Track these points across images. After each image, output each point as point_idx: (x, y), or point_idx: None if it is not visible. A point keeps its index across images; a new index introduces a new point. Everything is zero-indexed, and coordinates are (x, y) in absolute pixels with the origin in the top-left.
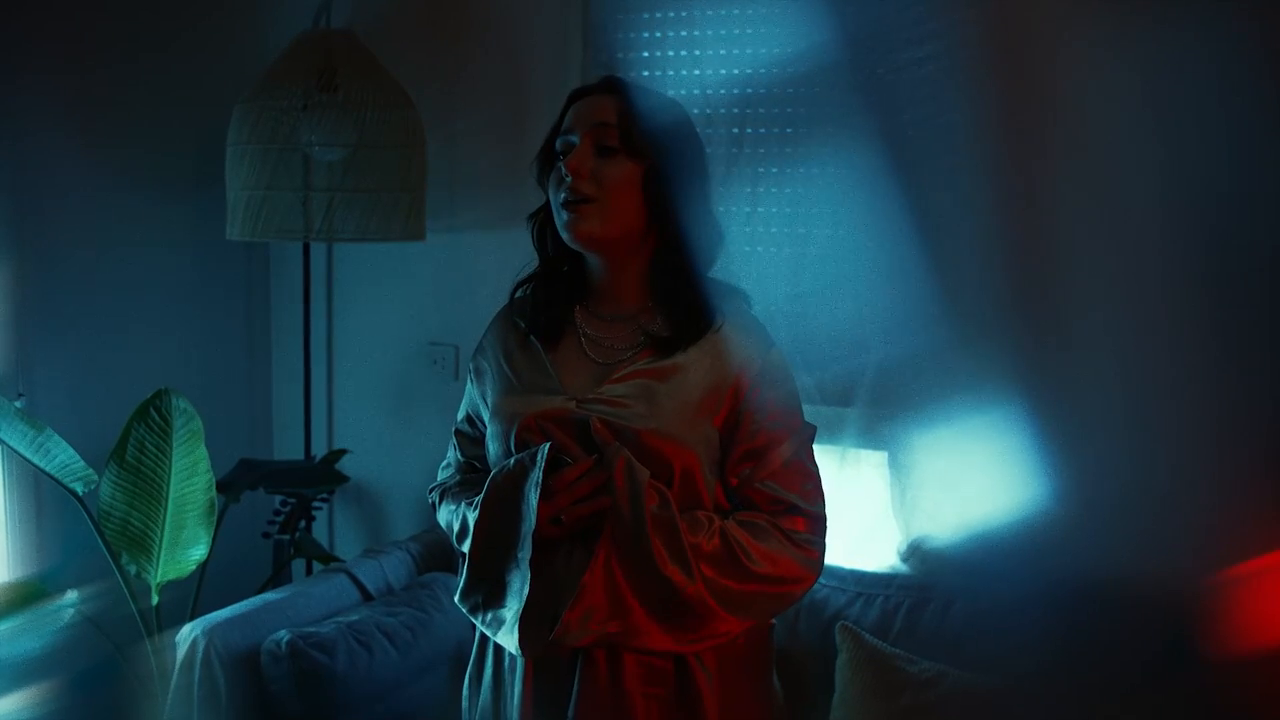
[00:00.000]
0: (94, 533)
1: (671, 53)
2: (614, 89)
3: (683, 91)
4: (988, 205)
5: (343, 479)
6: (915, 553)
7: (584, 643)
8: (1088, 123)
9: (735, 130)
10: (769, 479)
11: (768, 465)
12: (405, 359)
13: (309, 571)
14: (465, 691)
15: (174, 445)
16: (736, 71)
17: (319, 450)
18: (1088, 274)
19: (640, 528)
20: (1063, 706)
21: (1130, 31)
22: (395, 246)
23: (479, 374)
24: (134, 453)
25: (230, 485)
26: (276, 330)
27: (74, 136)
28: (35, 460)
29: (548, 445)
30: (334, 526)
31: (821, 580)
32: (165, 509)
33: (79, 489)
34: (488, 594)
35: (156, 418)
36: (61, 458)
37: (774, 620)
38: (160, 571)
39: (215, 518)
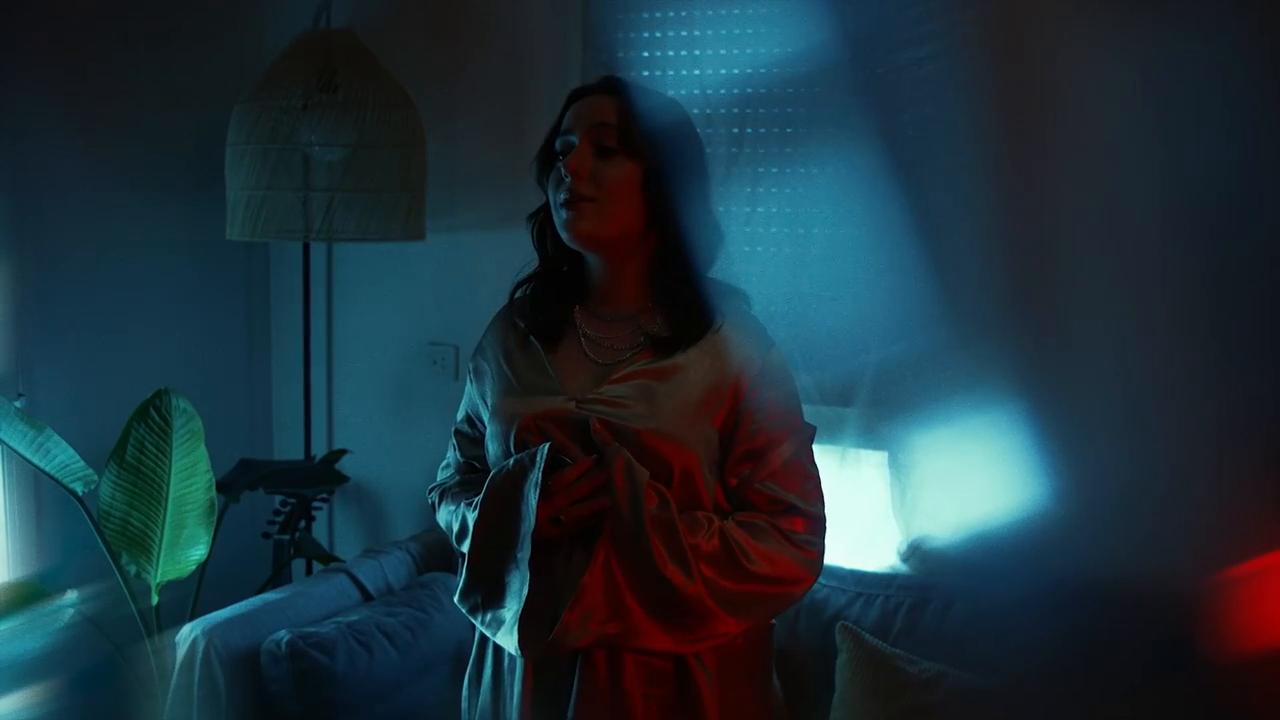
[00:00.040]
0: (94, 533)
1: (671, 53)
2: (613, 89)
3: (683, 91)
4: (988, 205)
5: (343, 479)
6: (915, 553)
7: (583, 643)
8: (1088, 123)
9: (735, 130)
10: (768, 479)
11: (767, 466)
12: (405, 359)
13: (309, 571)
14: (465, 692)
15: (174, 445)
16: (736, 71)
17: (319, 450)
18: (1088, 274)
19: (640, 528)
20: (1063, 706)
21: (1130, 31)
22: (395, 246)
23: (478, 374)
24: (134, 453)
25: (230, 485)
26: (276, 330)
27: (74, 136)
28: (35, 460)
29: (547, 446)
30: (334, 526)
31: (821, 580)
32: (165, 509)
33: (79, 489)
34: (487, 594)
35: (156, 418)
36: (61, 458)
37: (774, 621)
38: (160, 571)
39: (215, 518)
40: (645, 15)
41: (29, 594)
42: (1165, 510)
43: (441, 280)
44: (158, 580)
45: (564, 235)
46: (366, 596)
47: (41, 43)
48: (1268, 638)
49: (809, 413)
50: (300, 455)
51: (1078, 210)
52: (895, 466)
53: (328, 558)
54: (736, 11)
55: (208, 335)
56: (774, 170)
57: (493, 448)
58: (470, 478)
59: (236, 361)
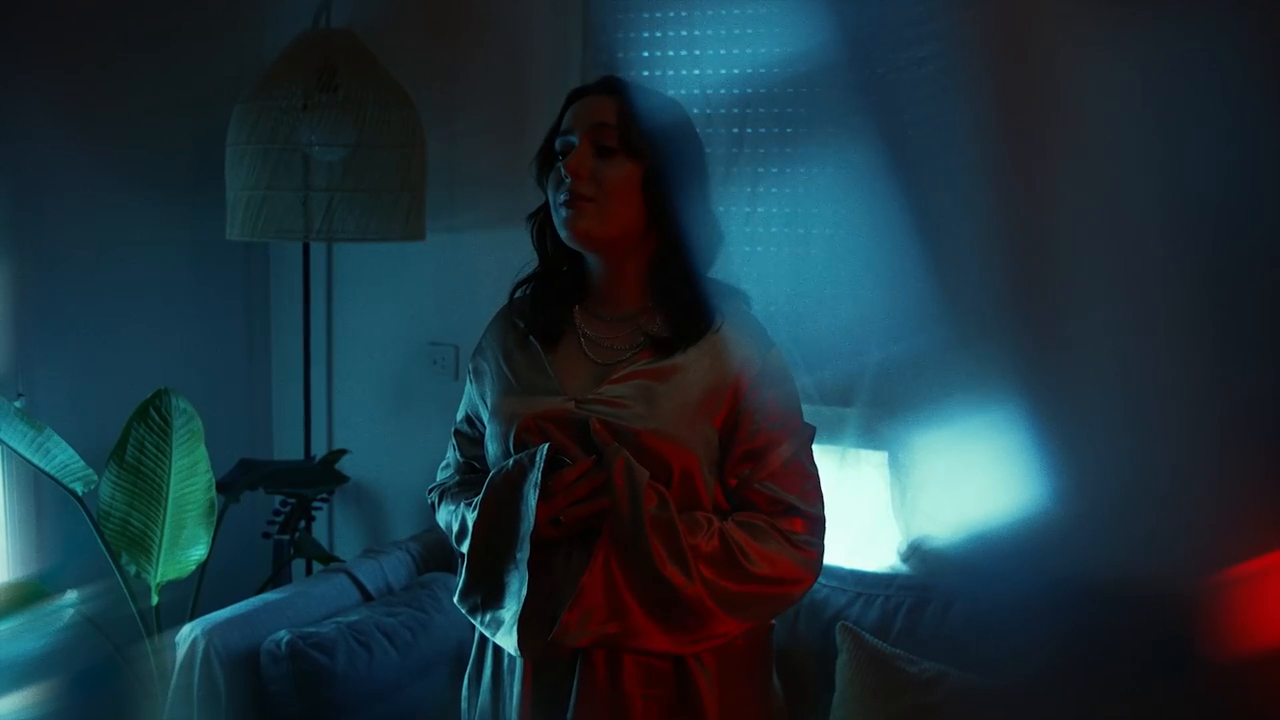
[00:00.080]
0: (94, 533)
1: (671, 53)
2: (613, 89)
3: (683, 91)
4: (988, 205)
5: (342, 479)
6: (915, 553)
7: (583, 644)
8: (1088, 123)
9: (735, 130)
10: (768, 480)
11: (767, 466)
12: (405, 359)
13: (309, 572)
14: (464, 692)
15: (174, 445)
16: (736, 71)
17: (319, 450)
18: (1088, 274)
19: (639, 528)
20: (1063, 706)
21: (1130, 31)
22: (395, 246)
23: (478, 374)
24: (134, 453)
25: (230, 485)
26: (276, 330)
27: (74, 136)
28: (35, 460)
29: (546, 446)
30: (334, 526)
31: (822, 580)
32: (165, 509)
33: (79, 489)
34: (487, 595)
35: (156, 418)
36: (61, 458)
37: (774, 621)
38: (160, 571)
39: (215, 518)
40: (645, 15)
41: (29, 594)
42: (1165, 510)
43: (441, 280)
44: (158, 580)
45: (564, 234)
46: (366, 596)
47: (41, 43)
48: (1268, 638)
49: (809, 413)
50: (300, 455)
51: (1078, 210)
52: (895, 466)
53: (328, 558)
54: (736, 11)
55: (208, 335)
56: (774, 170)
57: (492, 448)
58: (470, 478)
59: (236, 361)
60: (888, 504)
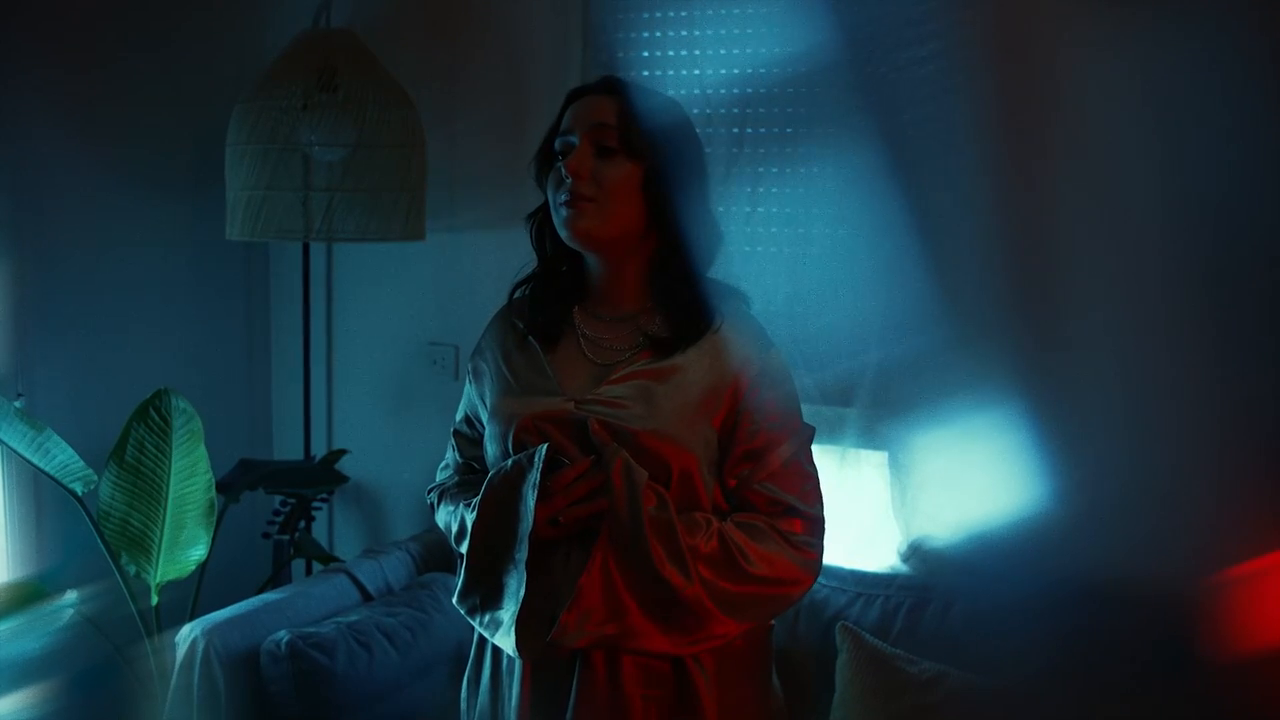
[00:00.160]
0: (93, 533)
1: (671, 53)
2: (613, 89)
3: (683, 91)
4: (988, 205)
5: (342, 479)
6: (915, 553)
7: (581, 644)
8: (1088, 123)
9: (735, 130)
10: (767, 480)
11: (766, 466)
12: (405, 359)
13: (309, 572)
14: (464, 693)
15: (174, 445)
16: (736, 71)
17: (319, 450)
18: (1088, 274)
19: (638, 529)
20: (1063, 707)
21: (1130, 31)
22: (395, 246)
23: (477, 375)
24: (133, 453)
25: (230, 485)
26: (276, 330)
27: (74, 136)
28: (35, 460)
29: (545, 446)
30: (334, 526)
31: (822, 580)
32: (165, 509)
33: (78, 489)
34: (485, 595)
35: (156, 418)
36: (61, 458)
37: (773, 621)
38: (160, 572)
39: (215, 518)
40: (645, 15)
41: (29, 594)
42: (1165, 510)
43: (441, 280)
44: (157, 580)
45: (564, 234)
46: (366, 597)
47: (41, 43)
48: (1268, 638)
49: (809, 413)
50: (300, 455)
51: (1078, 210)
52: (895, 466)
53: (327, 558)
54: (736, 11)
55: (208, 335)
56: (774, 170)
57: (491, 448)
58: (469, 478)
59: (236, 361)
60: (888, 504)
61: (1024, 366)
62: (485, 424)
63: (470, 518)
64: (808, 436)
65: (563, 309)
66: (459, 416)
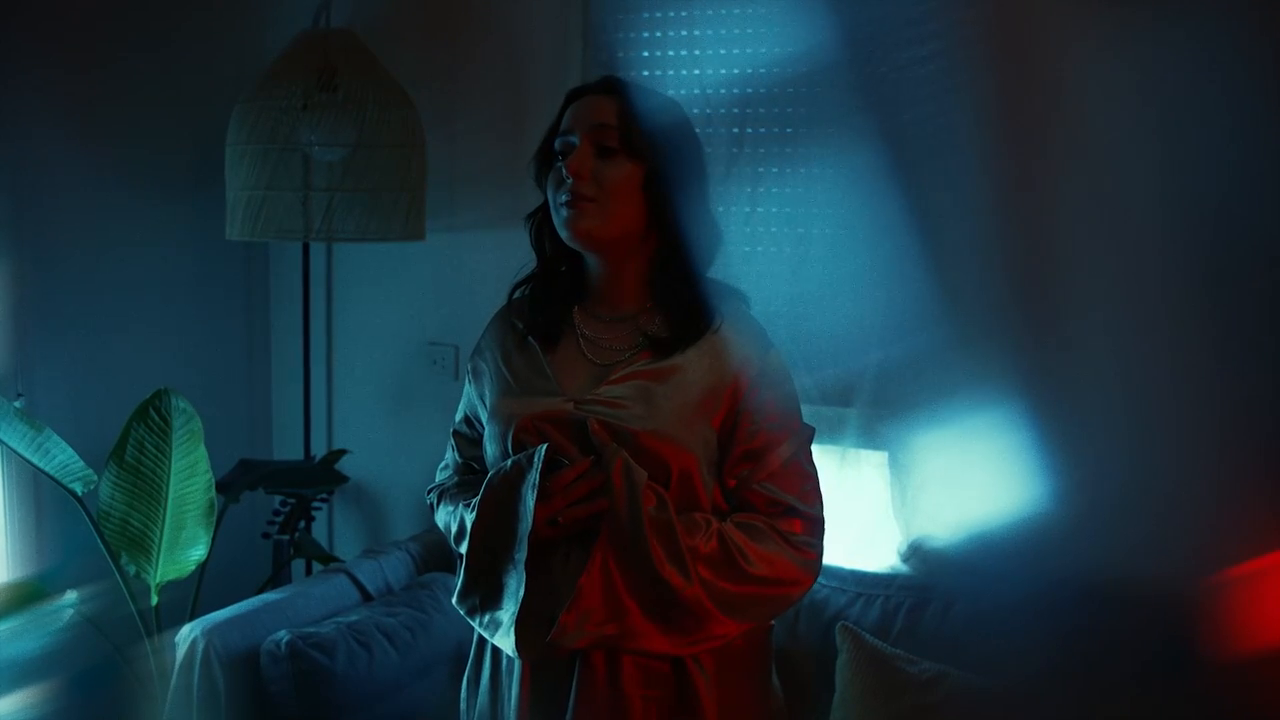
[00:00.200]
0: (93, 533)
1: (671, 53)
2: (613, 89)
3: (683, 91)
4: (988, 205)
5: (342, 479)
6: (916, 553)
7: (581, 645)
8: (1088, 123)
9: (735, 130)
10: (767, 480)
11: (766, 466)
12: (405, 359)
13: (309, 572)
14: (463, 693)
15: (173, 445)
16: (736, 71)
17: (318, 450)
18: (1088, 274)
19: (638, 529)
20: (1064, 707)
21: (1130, 31)
22: (395, 246)
23: (477, 375)
24: (133, 453)
25: (230, 485)
26: (276, 330)
27: (74, 136)
28: (35, 460)
29: (545, 447)
30: (334, 526)
31: (822, 580)
32: (165, 509)
33: (78, 489)
34: (485, 596)
35: (156, 418)
36: (61, 458)
37: (773, 622)
38: (160, 572)
39: (215, 518)
40: (645, 15)
41: (29, 594)
42: (1165, 511)
43: (441, 280)
44: (157, 580)
45: (564, 234)
46: (366, 597)
47: (41, 43)
48: (1268, 638)
49: (809, 413)
50: (300, 455)
51: (1078, 210)
52: (895, 466)
53: (327, 558)
54: (736, 11)
55: (208, 335)
56: (774, 170)
57: (491, 449)
58: (468, 479)
59: (236, 361)
60: (888, 504)
61: (1024, 366)
62: (485, 424)
63: (470, 518)
64: (807, 437)
65: (562, 309)
66: (458, 417)
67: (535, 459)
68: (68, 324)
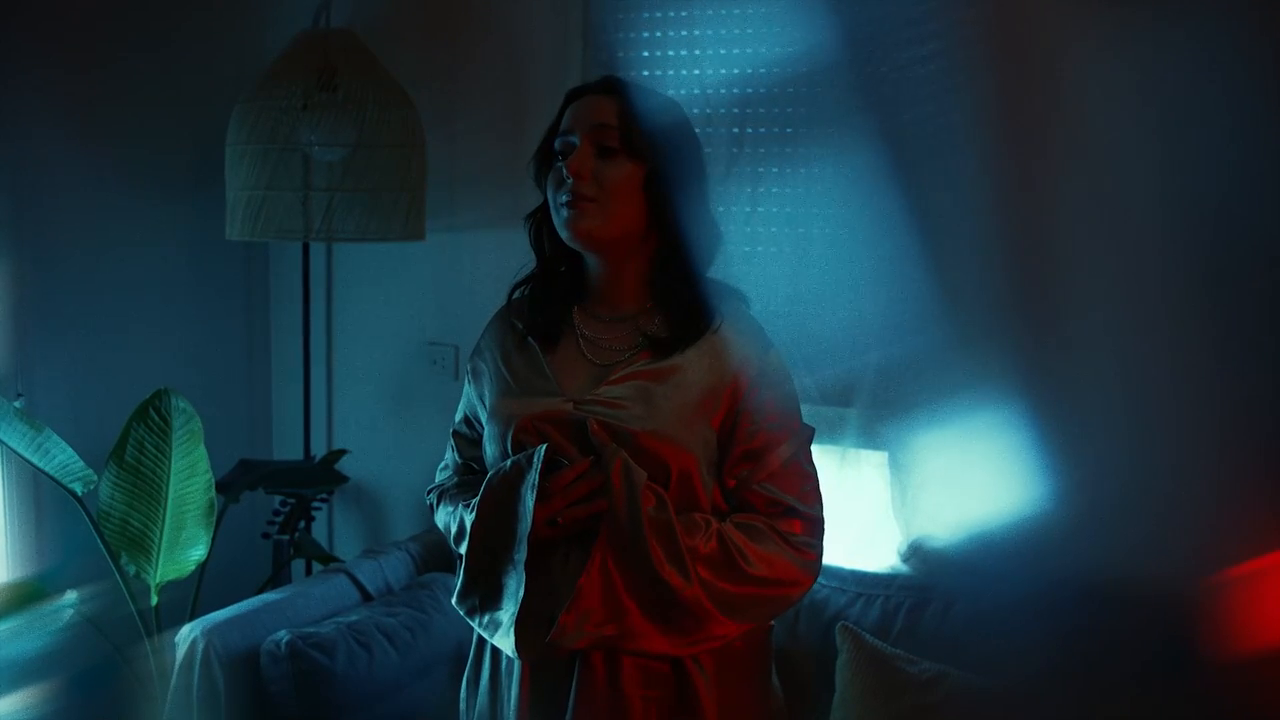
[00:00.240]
0: (93, 533)
1: (671, 53)
2: (613, 89)
3: (683, 91)
4: (988, 205)
5: (342, 479)
6: (916, 553)
7: (580, 645)
8: (1088, 123)
9: (735, 130)
10: (767, 481)
11: (766, 467)
12: (405, 359)
13: (309, 572)
14: (463, 693)
15: (173, 445)
16: (736, 71)
17: (318, 450)
18: (1088, 274)
19: (637, 530)
20: (1064, 707)
21: (1130, 31)
22: (395, 246)
23: (476, 375)
24: (133, 453)
25: (230, 485)
26: (276, 330)
27: (73, 136)
28: (34, 460)
29: (544, 447)
30: (334, 527)
31: (822, 580)
32: (164, 509)
33: (78, 489)
34: (484, 596)
35: (156, 418)
36: (61, 458)
37: (773, 622)
38: (159, 572)
39: (215, 518)
40: (645, 15)
41: (29, 594)
42: (1165, 511)
43: (441, 280)
44: (157, 580)
45: (564, 235)
46: (366, 597)
47: (41, 43)
48: (1268, 638)
49: (809, 413)
50: (300, 455)
51: (1078, 210)
52: (895, 467)
53: (327, 558)
54: (736, 11)
55: (208, 335)
56: (774, 170)
57: (490, 449)
58: (468, 479)
59: (236, 361)
60: (888, 504)
61: (1024, 366)
62: (484, 425)
63: (469, 518)
64: (807, 437)
65: (562, 309)
66: (458, 417)
67: (535, 459)
68: (68, 324)
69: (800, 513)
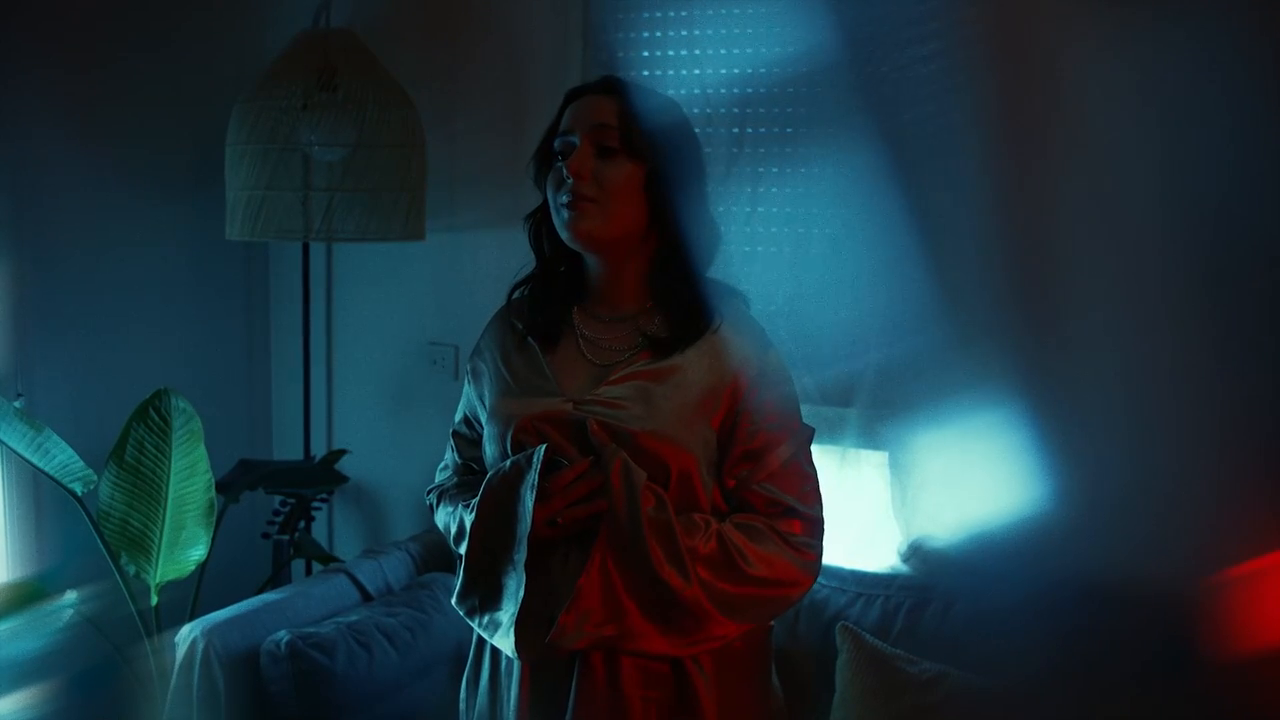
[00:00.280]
0: (93, 533)
1: (671, 53)
2: (612, 89)
3: (683, 91)
4: (988, 205)
5: (342, 479)
6: (916, 553)
7: (580, 645)
8: (1088, 122)
9: (735, 130)
10: (766, 481)
11: (765, 467)
12: (405, 359)
13: (308, 572)
14: (462, 694)
15: (173, 445)
16: (736, 71)
17: (318, 450)
18: (1088, 274)
19: (636, 530)
20: (1064, 707)
21: (1130, 31)
22: (395, 246)
23: (476, 375)
24: (133, 453)
25: (230, 485)
26: (276, 330)
27: (73, 136)
28: (34, 460)
29: (543, 447)
30: (333, 527)
31: (822, 580)
32: (164, 509)
33: (78, 489)
34: (484, 597)
35: (156, 418)
36: (61, 458)
37: (773, 622)
38: (159, 572)
39: (215, 518)
40: (645, 15)
41: (29, 594)
42: (1165, 511)
43: (441, 280)
44: (157, 580)
45: (565, 235)
46: (366, 597)
47: (41, 43)
48: (1268, 638)
49: (809, 413)
50: (300, 455)
51: (1078, 210)
52: (895, 467)
53: (327, 558)
54: (736, 11)
55: (207, 335)
56: (774, 170)
57: (490, 449)
58: (468, 479)
59: (236, 361)
60: (888, 504)
61: (1024, 366)
62: (484, 425)
63: (469, 519)
64: (807, 437)
65: (562, 309)
66: (458, 417)
67: (534, 460)
68: (68, 324)
69: (800, 513)
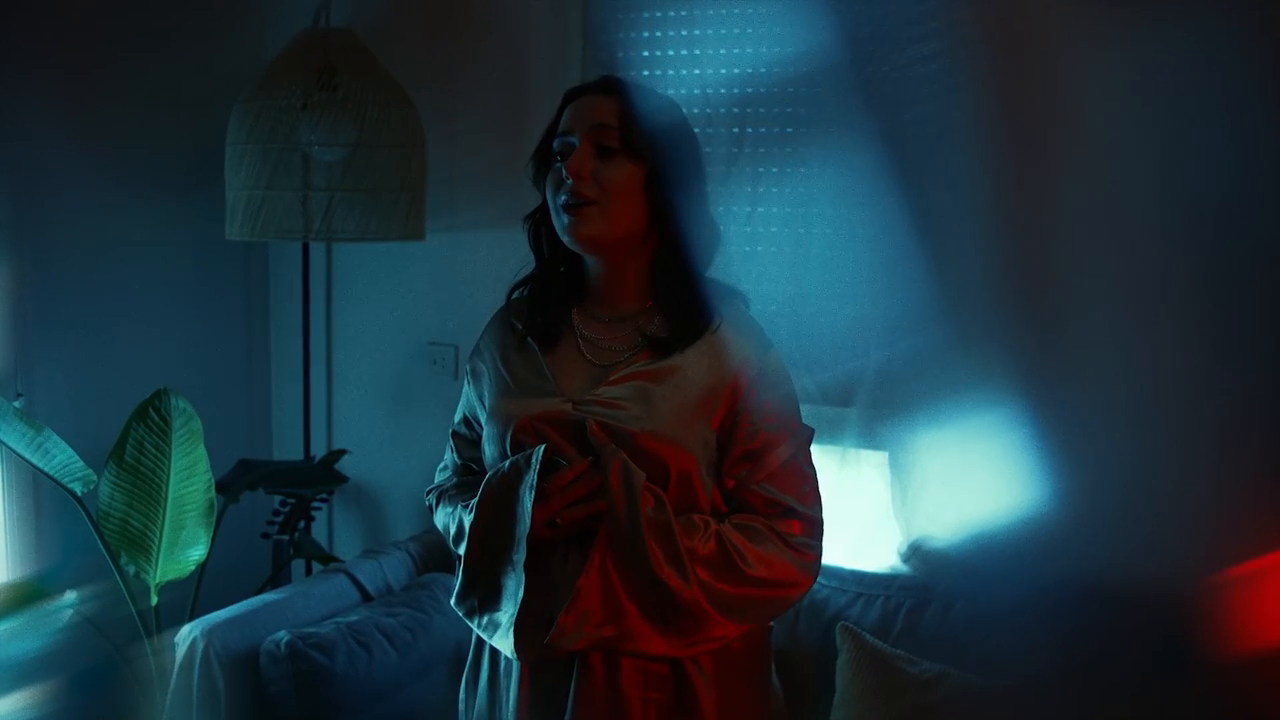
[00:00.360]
0: (93, 533)
1: (671, 53)
2: (612, 89)
3: (683, 91)
4: (988, 205)
5: (342, 479)
6: (916, 553)
7: (579, 646)
8: (1088, 122)
9: (735, 130)
10: (766, 481)
11: (765, 467)
12: (405, 359)
13: (308, 572)
14: (461, 695)
15: (173, 445)
16: (736, 71)
17: (318, 450)
18: (1088, 274)
19: (636, 531)
20: (1064, 707)
21: (1130, 31)
22: (395, 246)
23: (476, 376)
24: (133, 453)
25: (229, 485)
26: (276, 330)
27: (73, 136)
28: (34, 460)
29: (543, 447)
30: (333, 527)
31: (822, 580)
32: (164, 509)
33: (78, 489)
34: (483, 597)
35: (155, 418)
36: (60, 458)
37: (772, 623)
38: (159, 572)
39: (214, 518)
40: (645, 15)
41: (28, 594)
42: (1165, 511)
43: (441, 280)
44: (157, 581)
45: (565, 238)
46: (366, 597)
47: (41, 43)
48: (1268, 638)
49: (809, 413)
50: (300, 455)
51: (1078, 210)
52: (895, 467)
53: (327, 558)
54: (736, 11)
55: (207, 335)
56: (774, 170)
57: (489, 449)
58: (467, 480)
59: (236, 361)
60: (888, 504)
61: (1024, 366)
62: (483, 425)
63: (468, 519)
64: (806, 437)
65: (561, 310)
66: (457, 418)
67: (533, 460)
68: (68, 324)
69: (799, 513)
